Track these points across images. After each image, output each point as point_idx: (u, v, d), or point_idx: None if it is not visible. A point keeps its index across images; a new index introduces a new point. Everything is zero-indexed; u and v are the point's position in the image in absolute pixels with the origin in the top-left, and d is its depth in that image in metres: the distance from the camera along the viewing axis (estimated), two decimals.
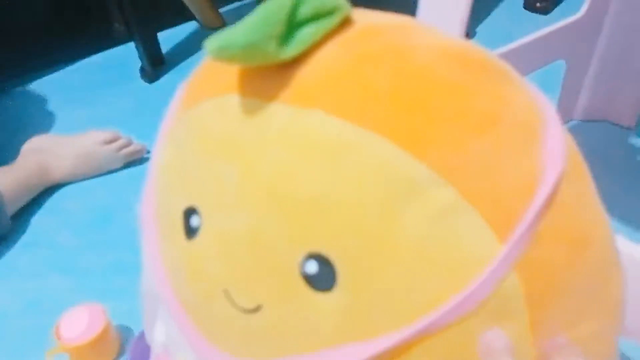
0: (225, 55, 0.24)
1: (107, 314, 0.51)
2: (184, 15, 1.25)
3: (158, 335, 0.34)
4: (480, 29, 1.16)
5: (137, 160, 0.82)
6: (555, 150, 0.25)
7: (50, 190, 0.77)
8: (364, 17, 0.28)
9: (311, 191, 0.23)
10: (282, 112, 0.24)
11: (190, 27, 1.26)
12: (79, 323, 0.49)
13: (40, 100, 1.03)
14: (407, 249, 0.23)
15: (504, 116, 0.25)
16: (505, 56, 0.71)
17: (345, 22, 0.26)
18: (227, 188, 0.27)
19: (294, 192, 0.24)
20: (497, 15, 1.21)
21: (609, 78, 0.82)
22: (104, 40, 1.16)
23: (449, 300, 0.23)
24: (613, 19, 0.76)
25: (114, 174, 0.80)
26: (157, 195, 0.33)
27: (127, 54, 1.11)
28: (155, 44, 1.11)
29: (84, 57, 1.14)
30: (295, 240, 0.25)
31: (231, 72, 0.27)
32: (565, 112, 0.86)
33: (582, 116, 0.87)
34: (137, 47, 1.07)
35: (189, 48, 1.18)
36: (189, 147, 0.30)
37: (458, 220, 0.23)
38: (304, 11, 0.24)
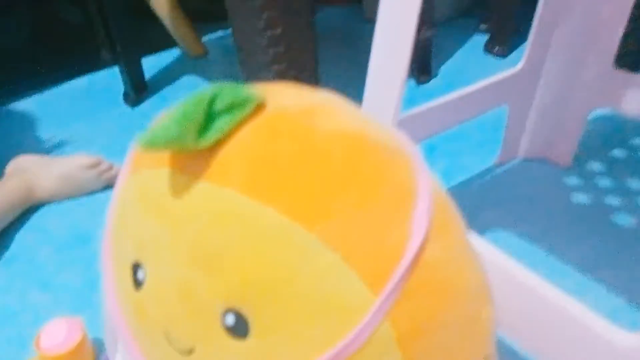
0: (152, 148, 0.30)
1: (84, 327, 0.57)
2: (168, 42, 1.32)
3: None
4: (442, 69, 1.25)
5: (111, 181, 0.89)
6: (422, 217, 0.32)
7: (32, 208, 0.83)
8: (278, 101, 0.35)
9: (224, 257, 0.30)
10: (202, 188, 0.31)
11: (173, 54, 1.33)
12: (58, 334, 0.55)
13: (26, 122, 1.09)
14: (300, 305, 0.29)
15: (382, 191, 0.32)
16: (458, 100, 0.79)
17: (258, 109, 0.33)
18: (162, 247, 0.33)
19: (211, 257, 0.30)
20: (459, 57, 1.30)
21: (547, 122, 0.90)
22: (90, 65, 1.23)
23: (335, 345, 0.29)
24: (549, 69, 0.85)
25: (94, 196, 0.87)
26: (112, 245, 0.40)
27: (112, 78, 1.18)
28: (139, 69, 1.17)
29: (69, 80, 1.21)
30: (216, 296, 0.31)
31: (165, 154, 0.33)
32: (509, 151, 0.94)
33: (524, 155, 0.95)
34: (121, 73, 1.14)
35: (172, 74, 1.25)
36: (134, 208, 0.36)
37: (340, 279, 0.29)
38: (219, 105, 0.31)
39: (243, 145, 0.32)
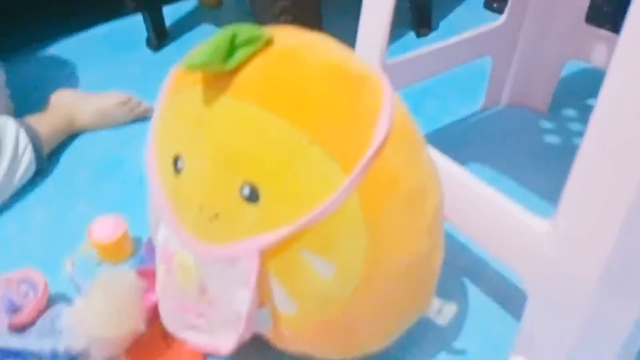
0: (191, 68, 0.43)
1: (126, 223, 0.71)
2: None
3: (160, 237, 0.55)
4: (442, 23, 1.33)
5: (144, 117, 1.02)
6: (384, 124, 0.44)
7: (72, 136, 0.97)
8: (284, 38, 0.47)
9: (242, 148, 0.43)
10: (226, 101, 0.44)
11: (190, 4, 1.43)
12: (106, 227, 0.70)
13: (59, 62, 1.20)
14: (293, 179, 0.42)
15: (355, 105, 0.44)
16: (445, 48, 0.89)
17: (268, 44, 0.45)
18: (197, 143, 0.46)
19: (233, 148, 0.44)
20: (459, 12, 1.38)
21: (526, 72, 1.00)
22: (115, 12, 1.33)
23: (316, 207, 0.43)
24: (528, 23, 0.94)
25: (125, 127, 1.00)
26: (156, 145, 0.53)
27: (136, 25, 1.28)
28: (160, 17, 1.28)
29: (97, 26, 1.31)
30: (235, 175, 0.44)
31: (199, 76, 0.46)
32: (493, 98, 1.05)
33: (507, 102, 1.06)
34: (144, 20, 1.24)
35: (189, 23, 1.35)
36: (176, 117, 0.50)
37: (322, 163, 0.42)
38: (239, 39, 0.43)
39: (256, 70, 0.45)
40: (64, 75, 1.14)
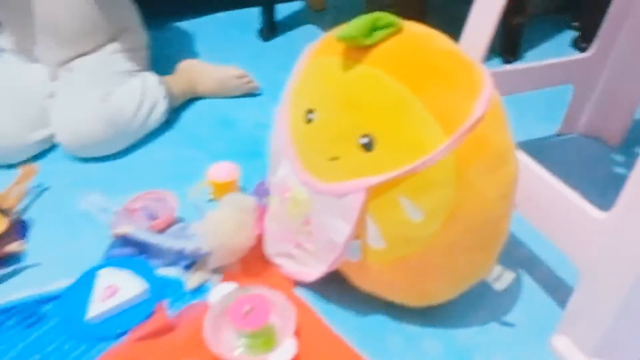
0: (341, 39, 0.56)
1: (238, 169, 0.85)
2: None
3: (280, 173, 0.68)
4: (528, 54, 1.41)
5: (251, 92, 1.17)
6: (483, 101, 0.55)
7: (193, 99, 1.13)
8: (412, 27, 0.60)
9: (367, 105, 0.56)
10: (360, 67, 0.56)
11: (299, 5, 1.59)
12: (222, 171, 0.84)
13: (190, 37, 1.39)
14: (404, 135, 0.54)
15: (463, 82, 0.55)
16: (532, 70, 0.98)
17: (400, 29, 0.58)
18: (328, 98, 0.59)
19: (358, 102, 0.56)
20: (546, 47, 1.46)
21: (606, 104, 1.07)
22: (240, 3, 1.53)
23: (416, 161, 0.55)
24: (613, 59, 1.02)
25: (236, 98, 1.15)
26: (291, 100, 0.66)
27: (253, 17, 1.46)
28: (273, 13, 1.45)
29: (225, 11, 1.51)
30: (357, 127, 0.57)
31: (342, 45, 0.59)
32: (569, 125, 1.12)
33: (582, 131, 1.13)
34: (261, 13, 1.41)
35: (295, 21, 1.51)
36: (314, 77, 0.63)
37: (428, 125, 0.53)
38: (379, 23, 0.56)
39: (389, 46, 0.57)
40: (193, 46, 1.32)
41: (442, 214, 0.56)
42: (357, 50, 0.58)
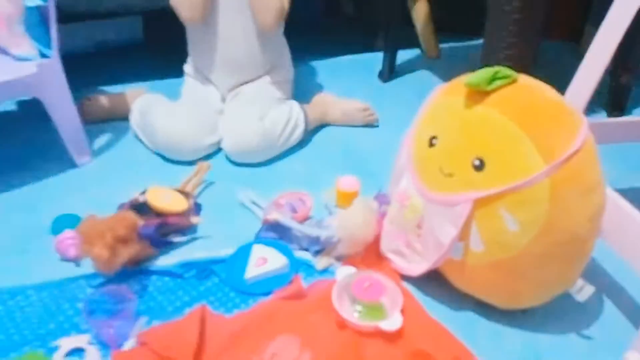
0: (467, 85, 0.74)
1: (359, 183, 1.04)
2: (415, 43, 1.79)
3: (402, 185, 0.86)
4: (635, 111, 1.47)
5: (371, 124, 1.38)
6: (579, 140, 0.70)
7: (324, 125, 1.36)
8: (524, 79, 0.76)
9: (482, 134, 0.72)
10: (479, 107, 0.73)
11: (415, 52, 1.79)
12: (347, 183, 1.03)
13: (324, 73, 1.62)
14: (508, 160, 0.70)
15: (565, 124, 0.71)
16: (630, 123, 1.08)
17: (514, 80, 0.74)
18: (449, 128, 0.77)
19: (475, 133, 0.73)
20: None
21: None
22: (366, 47, 1.76)
23: (516, 181, 0.70)
24: None
25: (358, 127, 1.36)
26: (417, 128, 0.85)
27: (374, 60, 1.68)
28: (394, 58, 1.66)
29: (353, 54, 1.75)
30: (472, 151, 0.74)
31: (466, 89, 0.77)
32: None
33: None
34: (384, 58, 1.63)
35: (413, 67, 1.71)
36: (440, 111, 0.81)
37: (531, 155, 0.69)
38: (498, 75, 0.73)
39: (504, 93, 0.74)
40: (326, 82, 1.57)
41: (535, 227, 0.71)
42: (478, 93, 0.75)
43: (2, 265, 0.88)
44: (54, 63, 1.02)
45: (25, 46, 1.01)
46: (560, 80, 0.89)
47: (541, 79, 0.79)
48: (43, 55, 1.03)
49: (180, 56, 1.30)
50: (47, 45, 1.03)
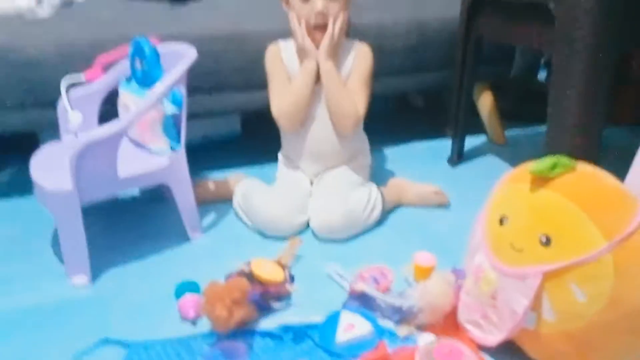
0: (532, 172, 0.87)
1: (435, 259, 1.15)
2: (481, 129, 1.93)
3: (476, 259, 0.96)
4: None
5: (442, 205, 1.50)
6: (638, 220, 0.79)
7: (399, 207, 1.49)
8: (584, 166, 0.87)
9: (548, 215, 0.83)
10: (544, 190, 0.85)
11: (482, 138, 1.93)
12: (424, 259, 1.14)
13: (396, 160, 1.79)
14: (571, 236, 0.80)
15: (623, 206, 0.80)
16: None
17: (574, 168, 0.85)
18: (519, 210, 0.88)
19: (542, 213, 0.84)
20: None
21: None
22: (435, 134, 1.93)
23: (581, 256, 0.79)
24: None
25: (430, 208, 1.49)
26: (488, 209, 0.96)
27: (443, 146, 1.83)
28: (462, 144, 1.80)
29: (424, 140, 1.92)
30: (539, 229, 0.84)
31: (530, 175, 0.89)
32: None
33: None
34: (452, 144, 1.77)
35: (480, 152, 1.84)
36: (508, 194, 0.93)
37: (591, 232, 0.78)
38: (559, 163, 0.85)
39: (565, 178, 0.85)
40: (399, 167, 1.73)
41: (603, 299, 0.78)
42: (542, 179, 0.87)
43: (135, 323, 1.06)
44: (181, 156, 1.26)
45: (161, 142, 1.26)
46: (628, 163, 0.99)
47: (607, 163, 0.90)
48: (172, 149, 1.27)
49: (273, 146, 1.52)
50: (175, 140, 1.28)
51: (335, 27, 1.33)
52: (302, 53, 1.37)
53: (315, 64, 1.35)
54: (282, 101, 1.39)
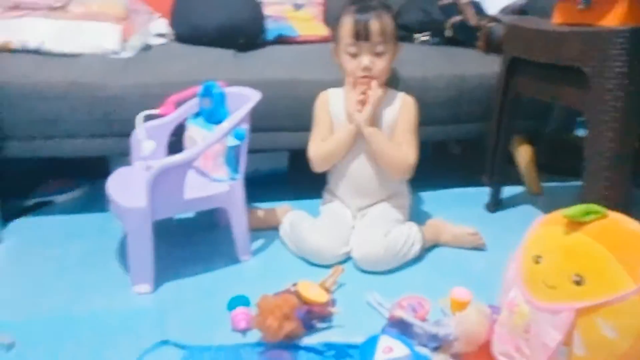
0: (565, 216, 0.95)
1: (471, 294, 1.22)
2: (518, 180, 2.00)
3: (511, 294, 1.03)
4: None
5: (479, 247, 1.57)
6: None
7: (436, 246, 1.57)
8: (614, 214, 0.94)
9: (580, 256, 0.90)
10: (576, 234, 0.93)
11: (519, 189, 2.00)
12: (460, 293, 1.21)
13: (434, 203, 1.87)
14: (601, 279, 0.87)
15: None
16: None
17: (605, 215, 0.93)
18: (553, 251, 0.96)
19: (574, 255, 0.91)
20: None
21: None
22: (470, 181, 2.01)
23: (610, 296, 0.85)
24: None
25: (467, 249, 1.55)
26: (524, 249, 1.04)
27: (481, 193, 1.90)
28: (499, 191, 1.87)
29: (460, 187, 2.00)
30: (571, 269, 0.91)
31: (563, 219, 0.96)
32: None
33: None
34: (490, 191, 1.85)
35: (517, 202, 1.90)
36: (542, 236, 1.00)
37: (620, 274, 0.85)
38: (591, 210, 0.93)
39: (596, 224, 0.93)
40: (437, 208, 1.81)
41: (632, 335, 0.84)
42: (574, 223, 0.95)
43: (191, 331, 1.16)
44: (239, 184, 1.39)
45: (222, 172, 1.40)
46: None
47: (636, 215, 0.97)
48: (231, 179, 1.41)
49: (315, 183, 1.64)
50: (234, 170, 1.41)
51: (374, 97, 1.46)
52: (350, 105, 1.50)
53: (358, 127, 1.49)
54: (319, 147, 1.52)
